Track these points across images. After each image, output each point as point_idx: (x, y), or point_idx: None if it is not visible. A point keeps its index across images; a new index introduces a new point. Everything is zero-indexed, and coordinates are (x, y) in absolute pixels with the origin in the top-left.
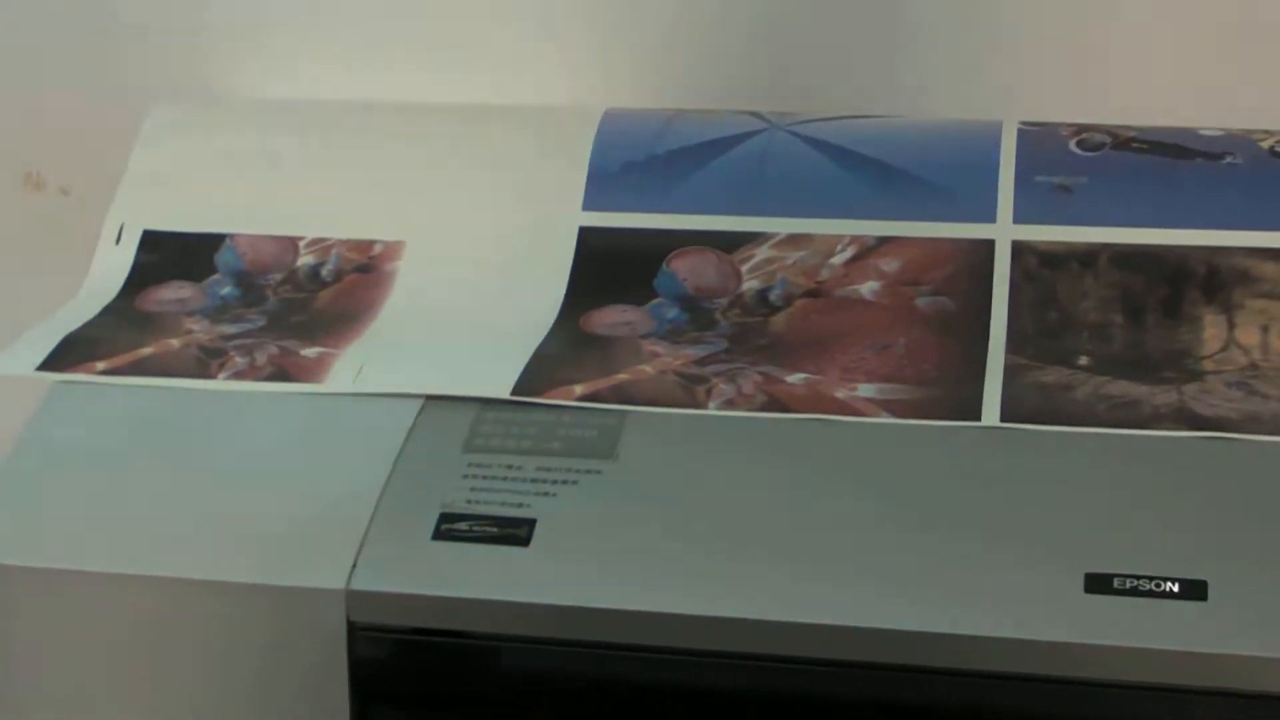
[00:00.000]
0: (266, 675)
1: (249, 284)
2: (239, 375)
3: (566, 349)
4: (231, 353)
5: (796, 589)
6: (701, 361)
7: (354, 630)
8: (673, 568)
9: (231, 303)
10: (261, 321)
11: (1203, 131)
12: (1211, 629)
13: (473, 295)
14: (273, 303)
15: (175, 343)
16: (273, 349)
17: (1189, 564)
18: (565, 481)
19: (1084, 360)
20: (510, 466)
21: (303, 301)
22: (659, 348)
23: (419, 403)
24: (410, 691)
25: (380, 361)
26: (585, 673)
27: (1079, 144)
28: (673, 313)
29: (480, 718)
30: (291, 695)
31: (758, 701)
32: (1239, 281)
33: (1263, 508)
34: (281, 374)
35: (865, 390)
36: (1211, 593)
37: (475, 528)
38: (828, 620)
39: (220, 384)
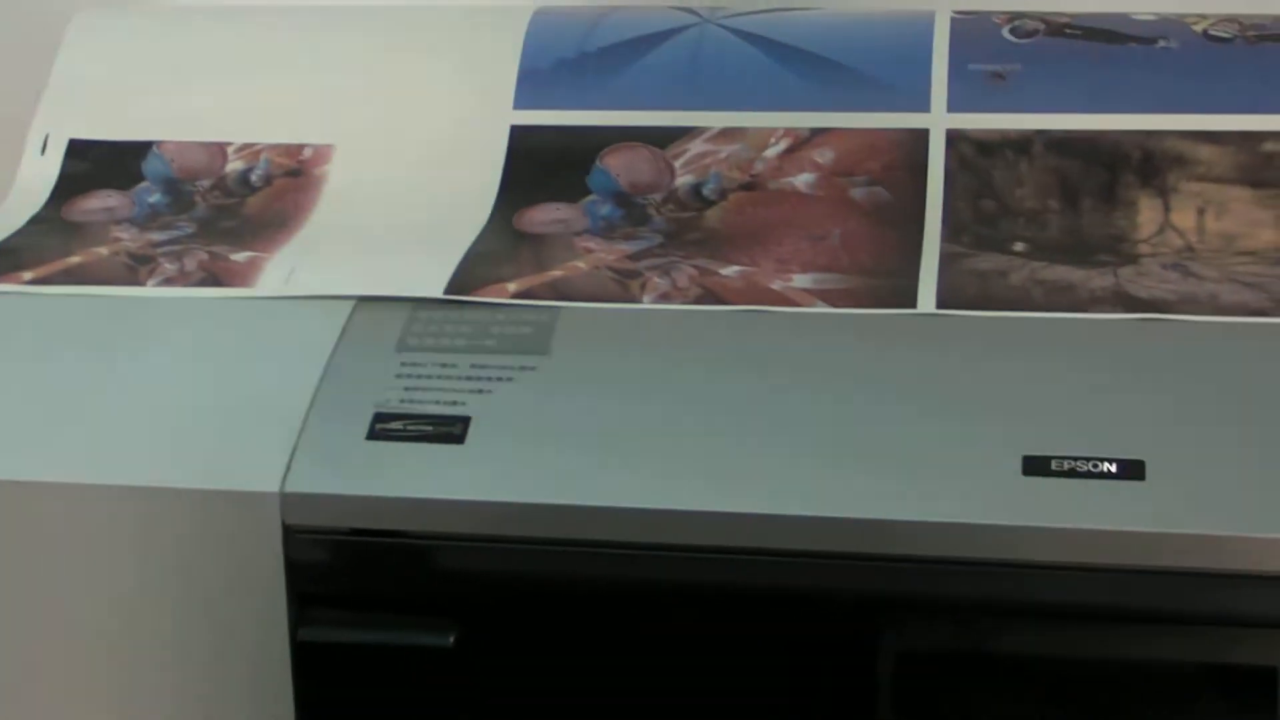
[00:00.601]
0: (203, 580)
1: (177, 191)
2: (168, 282)
3: (499, 247)
4: (161, 260)
5: (732, 480)
6: (636, 256)
7: (289, 533)
8: (608, 462)
9: (160, 210)
10: (191, 228)
11: (1136, 16)
12: (1150, 509)
13: (404, 197)
14: (202, 209)
15: (103, 251)
16: (202, 255)
17: (1127, 444)
18: (500, 379)
19: (1020, 246)
20: (444, 365)
21: (232, 207)
22: (593, 244)
23: (350, 304)
24: (348, 593)
25: (311, 264)
26: (523, 569)
27: (1012, 31)
28: (606, 209)
29: (419, 618)
30: (229, 599)
31: (696, 592)
32: (1174, 165)
33: (1200, 387)
34: (212, 279)
35: (801, 281)
36: (1149, 472)
37: (410, 427)
38: (764, 510)
39: (150, 291)
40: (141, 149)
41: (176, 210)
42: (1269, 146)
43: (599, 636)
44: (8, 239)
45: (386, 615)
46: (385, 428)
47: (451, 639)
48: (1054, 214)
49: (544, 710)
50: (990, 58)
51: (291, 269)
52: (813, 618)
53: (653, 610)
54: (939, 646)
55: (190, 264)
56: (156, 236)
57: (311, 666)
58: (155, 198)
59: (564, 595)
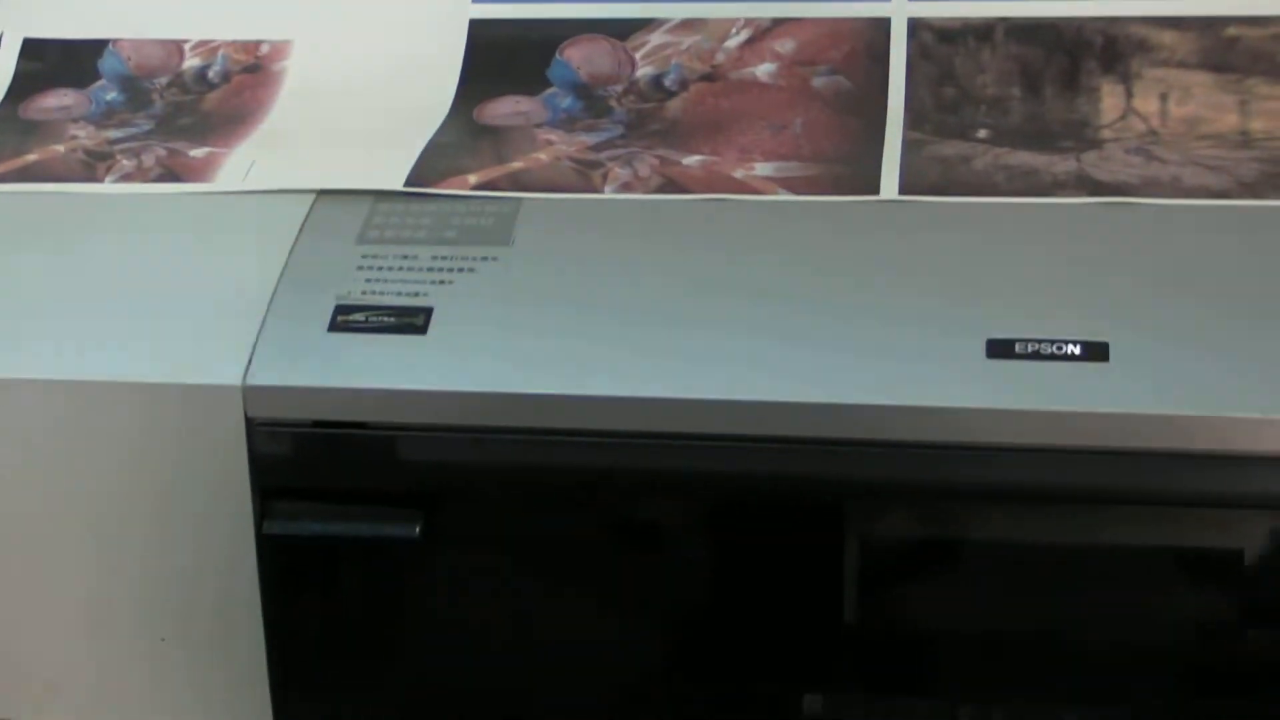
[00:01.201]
0: (167, 474)
1: (134, 89)
2: (126, 178)
3: (460, 140)
4: (118, 156)
5: (696, 367)
6: (597, 148)
7: (252, 426)
8: (571, 350)
9: (117, 108)
10: (148, 125)
11: None
12: (1114, 389)
13: (363, 91)
14: (159, 106)
15: (60, 149)
16: (160, 151)
17: (1090, 327)
18: (462, 270)
19: (983, 133)
20: (406, 257)
21: (190, 104)
22: (554, 136)
23: (310, 198)
24: (312, 485)
25: (271, 159)
26: (487, 459)
27: None
28: (567, 101)
29: (384, 509)
30: (193, 493)
31: (660, 479)
32: (1136, 51)
33: (1163, 269)
34: (170, 175)
35: (762, 169)
36: (1113, 354)
37: (371, 318)
38: (728, 396)
39: (108, 187)
40: (98, 47)
41: (134, 108)
42: (1231, 31)
43: (565, 525)
44: None
45: (351, 507)
46: (347, 319)
47: (417, 530)
48: (1016, 101)
49: (511, 599)
50: None
51: (251, 164)
52: (778, 503)
53: (617, 497)
54: (903, 531)
55: (148, 160)
56: (114, 134)
57: (277, 560)
58: (112, 95)
59: (528, 484)
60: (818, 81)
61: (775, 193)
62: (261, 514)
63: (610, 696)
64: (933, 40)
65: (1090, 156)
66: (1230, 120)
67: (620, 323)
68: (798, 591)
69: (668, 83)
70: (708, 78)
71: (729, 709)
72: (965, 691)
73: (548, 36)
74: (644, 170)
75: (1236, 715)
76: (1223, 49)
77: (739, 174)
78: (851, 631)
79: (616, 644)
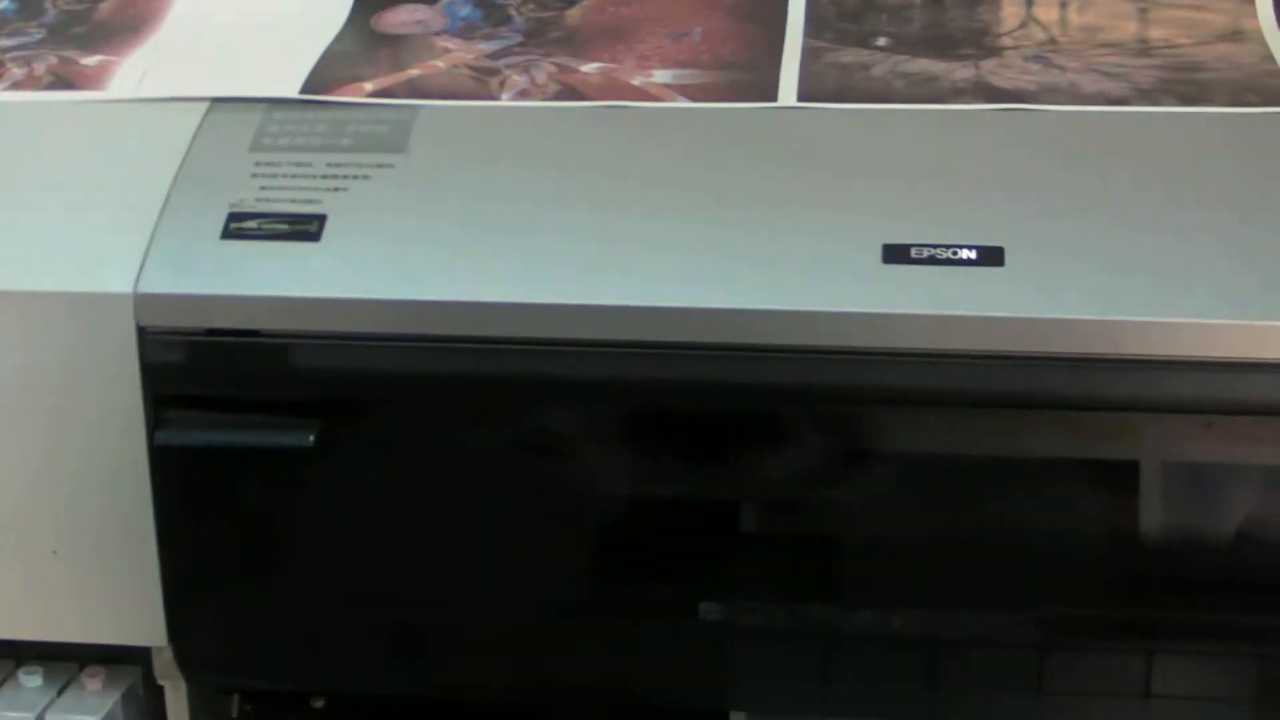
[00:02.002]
0: (57, 384)
1: None
2: (17, 86)
3: (357, 48)
4: (8, 64)
5: (592, 273)
6: (495, 55)
7: (144, 334)
8: (466, 257)
9: (8, 16)
10: (40, 34)
11: None
12: (1008, 294)
13: (258, 1)
14: (51, 15)
15: None
16: (51, 59)
17: (986, 232)
18: (356, 177)
19: (883, 41)
20: (300, 164)
21: (83, 13)
22: (452, 43)
23: (204, 106)
24: (205, 394)
25: (164, 67)
26: (382, 367)
27: None
28: (465, 10)
29: (278, 418)
30: (84, 403)
31: (556, 387)
32: None
33: (1059, 175)
34: (62, 83)
35: (661, 76)
36: (1008, 259)
37: (264, 225)
38: (624, 302)
39: None
40: None
41: (25, 16)
42: None
43: (462, 432)
44: None
45: (245, 416)
46: (240, 227)
47: (311, 438)
48: (917, 8)
49: (406, 508)
50: None
51: (144, 72)
52: (676, 409)
53: (514, 405)
54: (801, 436)
55: (39, 68)
56: (5, 42)
57: (170, 470)
58: (4, 4)
59: (424, 391)
60: None
61: (673, 100)
62: (154, 424)
63: (506, 604)
64: None
65: (989, 64)
66: (1129, 28)
67: (515, 230)
68: (696, 499)
69: None
70: None
71: (625, 616)
72: (864, 597)
73: None
74: (541, 78)
75: (1134, 620)
76: None
77: (637, 81)
78: (750, 538)
79: (513, 552)
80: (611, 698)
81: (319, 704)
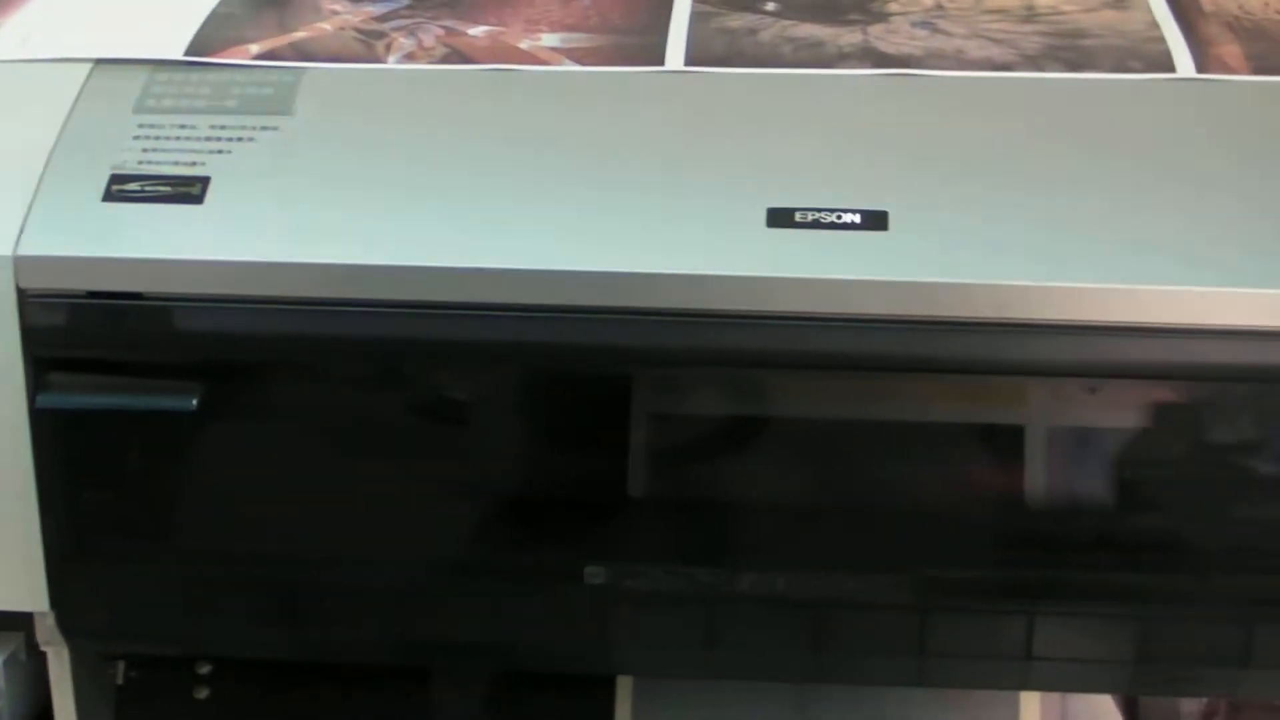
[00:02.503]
0: None
1: None
2: None
3: (243, 10)
4: None
5: (478, 237)
6: (382, 18)
7: (24, 297)
8: (350, 221)
9: None
10: None
11: None
12: (892, 257)
13: None
14: None
15: None
16: None
17: (870, 196)
18: (241, 139)
19: (771, 6)
20: (183, 126)
21: None
22: (339, 5)
23: (88, 67)
24: (87, 357)
25: (48, 27)
26: (266, 330)
27: None
28: None
29: (159, 380)
30: None
31: (440, 350)
32: None
33: (944, 140)
34: None
35: (549, 40)
36: (892, 223)
37: (147, 187)
38: (511, 265)
39: None
40: None
41: None
42: None
43: (345, 396)
44: None
45: (127, 379)
46: (122, 189)
47: (194, 402)
48: None
49: (290, 471)
50: None
51: (27, 32)
52: (562, 373)
53: (394, 368)
54: (686, 400)
55: None
56: None
57: (51, 433)
58: None
59: (306, 354)
60: None
61: (561, 63)
62: (35, 387)
63: (390, 568)
64: None
65: (876, 29)
66: None
67: (400, 194)
68: (584, 463)
69: None
70: None
71: (509, 579)
72: (748, 560)
73: None
74: (428, 40)
75: (1015, 582)
76: None
77: (525, 45)
78: (635, 502)
79: (397, 515)
80: (496, 661)
81: (205, 670)
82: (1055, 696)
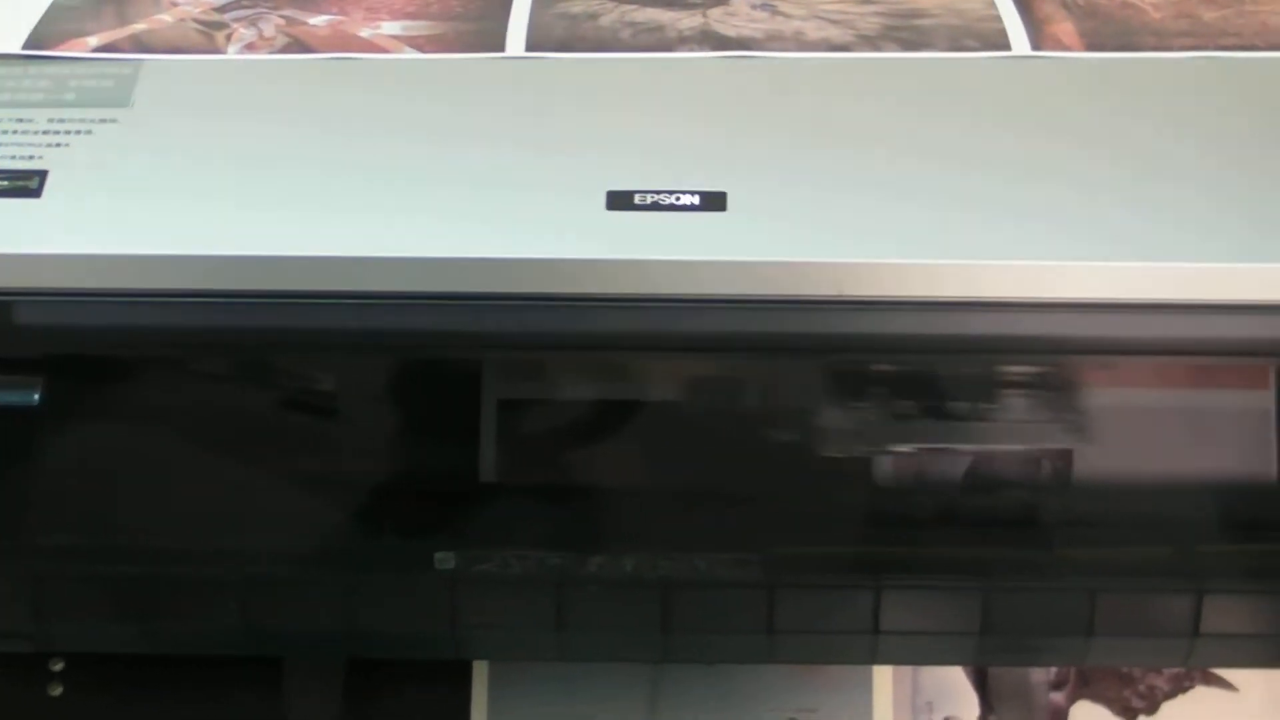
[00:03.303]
0: None
1: None
2: None
3: (82, 2)
4: None
5: (315, 226)
6: (223, 9)
7: None
8: (190, 211)
9: None
10: None
11: None
12: (731, 238)
13: None
14: None
15: None
16: None
17: (709, 177)
18: (78, 132)
19: None
20: (20, 120)
21: None
22: None
23: None
24: None
25: None
26: (104, 323)
27: None
28: None
29: (1, 375)
30: None
31: (283, 340)
32: None
33: (782, 121)
34: None
35: (390, 28)
36: (730, 203)
37: None
38: (351, 253)
39: None
40: None
41: None
42: None
43: (185, 386)
44: None
45: None
46: None
47: (36, 396)
48: None
49: (132, 464)
50: None
51: None
52: (408, 360)
53: (238, 358)
54: (529, 383)
55: None
56: None
57: None
58: None
59: (148, 346)
60: None
61: (402, 51)
62: None
63: (236, 558)
64: None
65: (716, 12)
66: None
67: (240, 184)
68: (431, 449)
69: None
70: None
71: (359, 567)
72: (596, 543)
73: None
74: (269, 30)
75: (862, 558)
76: None
77: (365, 33)
78: (484, 488)
79: (243, 505)
80: (348, 650)
81: (58, 666)
82: (906, 671)
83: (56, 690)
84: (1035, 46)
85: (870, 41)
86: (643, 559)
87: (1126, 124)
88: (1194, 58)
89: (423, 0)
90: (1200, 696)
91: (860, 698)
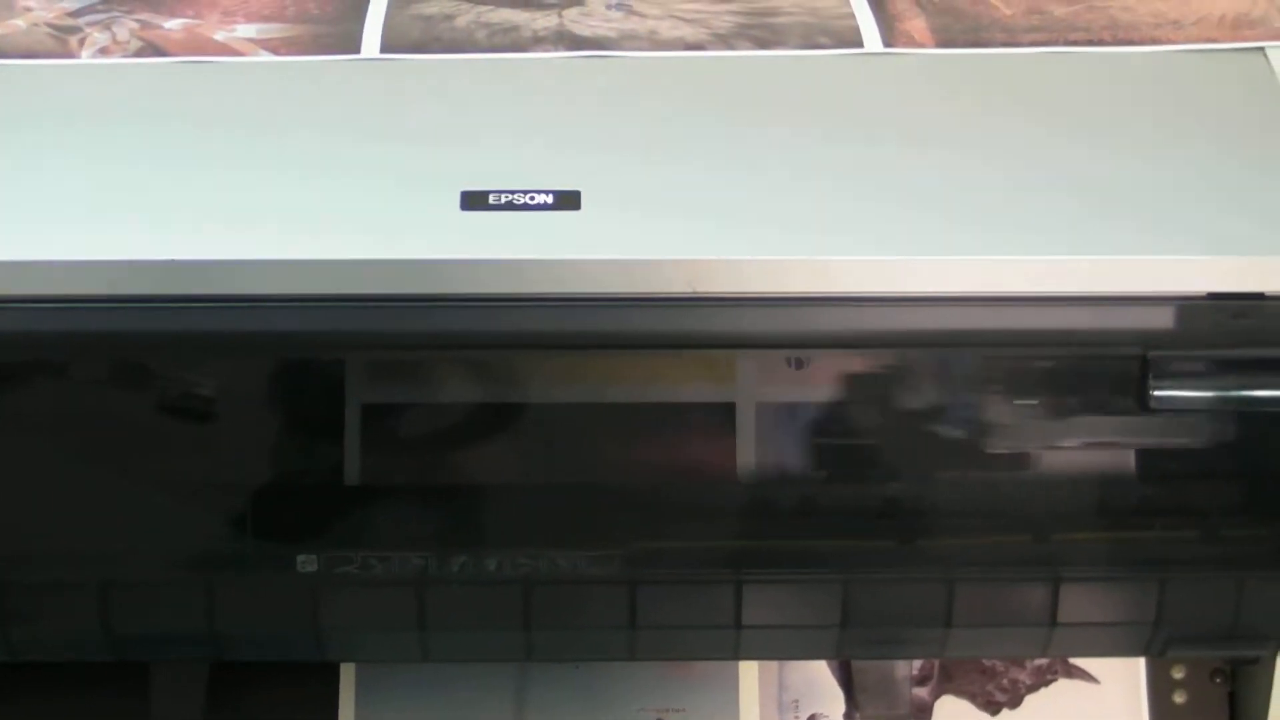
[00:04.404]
0: None
1: None
2: None
3: None
4: None
5: (171, 230)
6: (76, 13)
7: None
8: (40, 216)
9: None
10: None
11: None
12: (585, 236)
13: None
14: None
15: None
16: None
17: (563, 177)
18: None
19: None
20: None
21: None
22: (33, 3)
23: None
24: None
25: None
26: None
27: None
28: None
29: None
30: None
31: (143, 343)
32: None
33: (635, 120)
34: None
35: (244, 31)
36: (584, 202)
37: None
38: (206, 257)
39: None
40: None
41: None
42: None
43: (44, 388)
44: None
45: None
46: None
47: None
48: None
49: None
50: None
51: None
52: (271, 362)
53: (97, 361)
54: (384, 384)
55: None
56: None
57: None
58: None
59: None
60: None
61: (256, 54)
62: None
63: (95, 562)
64: None
65: (571, 13)
66: None
67: (94, 189)
68: (294, 451)
69: None
70: None
71: (221, 570)
72: (457, 543)
73: None
74: (123, 34)
75: (723, 552)
76: None
77: (220, 36)
78: (347, 490)
79: (106, 507)
80: (211, 653)
81: None
82: (773, 668)
83: None
84: (887, 43)
85: (724, 40)
86: (504, 557)
87: (977, 119)
88: (1043, 53)
89: (278, 3)
90: (1062, 689)
91: (727, 696)
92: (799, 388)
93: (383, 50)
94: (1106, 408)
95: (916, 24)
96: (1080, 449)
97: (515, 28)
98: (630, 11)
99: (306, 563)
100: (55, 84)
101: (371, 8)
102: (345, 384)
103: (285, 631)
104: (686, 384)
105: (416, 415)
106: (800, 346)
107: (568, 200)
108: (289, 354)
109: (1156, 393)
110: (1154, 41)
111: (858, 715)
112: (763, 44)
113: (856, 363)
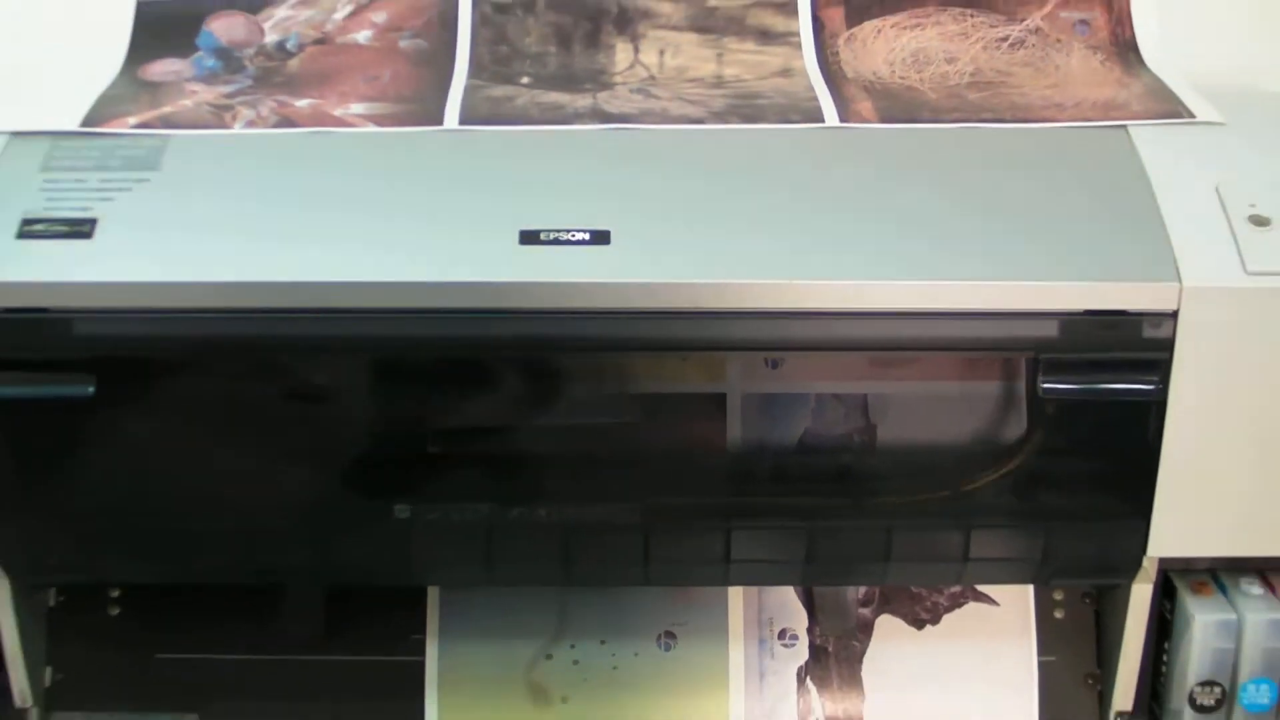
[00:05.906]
0: None
1: None
2: None
3: (125, 92)
4: None
5: (309, 256)
6: (230, 95)
7: None
8: (217, 247)
9: None
10: None
11: None
12: (615, 266)
13: (47, 66)
14: None
15: None
16: None
17: (598, 220)
18: (121, 189)
19: (525, 79)
20: (78, 180)
21: None
22: (198, 87)
23: (5, 137)
24: (7, 358)
25: None
26: (142, 333)
27: None
28: (210, 62)
29: (62, 374)
30: None
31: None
32: (643, 17)
33: (654, 175)
34: None
35: (357, 109)
36: (614, 239)
37: (50, 227)
38: (332, 278)
39: None
40: None
41: None
42: (711, 2)
43: (213, 382)
44: None
45: (35, 374)
46: (30, 229)
47: (90, 389)
48: (552, 55)
49: (167, 446)
50: None
51: None
52: (393, 365)
53: (264, 362)
54: (467, 380)
55: None
56: None
57: None
58: None
59: (180, 351)
60: (403, 43)
61: (365, 126)
62: None
63: (247, 511)
64: (490, 10)
65: (604, 95)
66: (709, 68)
67: (245, 222)
68: (395, 429)
69: (289, 46)
70: (319, 42)
71: (338, 517)
72: (516, 498)
73: (197, 12)
74: (265, 111)
75: (717, 507)
76: (704, 16)
77: (338, 112)
78: (433, 457)
79: (252, 473)
80: (330, 579)
81: (115, 593)
82: (753, 592)
83: (114, 611)
84: (843, 119)
85: (719, 116)
86: (550, 509)
87: (913, 176)
88: (961, 128)
89: (382, 88)
90: (971, 610)
91: (719, 614)
92: (775, 382)
93: (460, 123)
94: (1009, 397)
95: (865, 105)
96: (988, 429)
97: (561, 106)
98: (649, 95)
99: (401, 511)
100: (214, 148)
101: (452, 91)
102: (428, 380)
103: (385, 563)
104: (689, 379)
105: (482, 403)
106: (776, 350)
107: (601, 237)
108: (387, 355)
109: (1045, 385)
110: (1043, 120)
111: (818, 628)
112: (748, 119)
113: (820, 362)
